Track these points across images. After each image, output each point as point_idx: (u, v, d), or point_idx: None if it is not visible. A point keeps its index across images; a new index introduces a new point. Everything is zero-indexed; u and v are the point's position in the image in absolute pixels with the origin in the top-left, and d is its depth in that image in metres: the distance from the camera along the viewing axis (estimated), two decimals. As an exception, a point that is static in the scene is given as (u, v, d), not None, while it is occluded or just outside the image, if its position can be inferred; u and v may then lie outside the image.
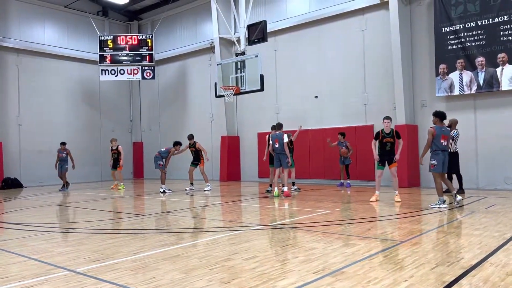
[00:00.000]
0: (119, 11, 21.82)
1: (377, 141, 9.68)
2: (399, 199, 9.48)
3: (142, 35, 20.11)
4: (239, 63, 12.68)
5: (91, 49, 20.49)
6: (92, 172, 20.46)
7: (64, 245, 6.03)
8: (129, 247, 5.67)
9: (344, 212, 8.50)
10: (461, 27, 12.32)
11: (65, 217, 9.47)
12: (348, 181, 13.69)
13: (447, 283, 3.80)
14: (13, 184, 17.45)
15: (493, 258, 4.64)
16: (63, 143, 15.62)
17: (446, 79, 12.63)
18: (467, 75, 12.28)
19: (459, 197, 8.65)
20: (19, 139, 18.41)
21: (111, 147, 15.44)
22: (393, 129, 9.65)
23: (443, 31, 12.65)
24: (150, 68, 20.02)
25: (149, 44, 19.77)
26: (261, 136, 16.60)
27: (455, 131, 10.68)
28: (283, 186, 11.35)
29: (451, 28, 12.52)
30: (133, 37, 19.87)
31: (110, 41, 19.59)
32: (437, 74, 12.81)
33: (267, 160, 12.38)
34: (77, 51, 20.38)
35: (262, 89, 12.24)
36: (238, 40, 13.09)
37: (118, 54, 19.62)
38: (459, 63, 12.40)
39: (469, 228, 6.37)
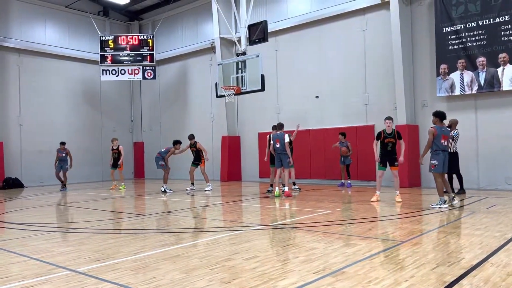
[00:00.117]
0: (120, 11, 21.84)
1: (379, 141, 9.67)
2: (399, 199, 9.47)
3: (143, 35, 20.12)
4: (240, 63, 12.67)
5: (92, 49, 20.50)
6: (93, 172, 20.47)
7: (65, 245, 6.04)
8: (130, 247, 5.67)
9: (345, 212, 8.50)
10: (462, 27, 12.31)
11: (66, 217, 9.48)
12: (349, 181, 13.69)
13: (447, 283, 3.80)
14: (14, 184, 17.47)
15: (494, 258, 4.63)
16: (62, 143, 15.58)
17: (447, 79, 12.62)
18: (468, 75, 12.27)
19: (455, 201, 8.65)
20: (20, 139, 18.43)
21: (112, 147, 15.45)
22: (394, 129, 9.65)
23: (444, 31, 12.64)
24: (151, 68, 20.03)
25: (150, 44, 19.78)
26: (261, 136, 16.60)
27: (455, 131, 10.67)
28: (284, 186, 11.36)
29: (452, 28, 12.51)
30: (134, 37, 19.88)
31: (111, 41, 19.60)
32: (438, 74, 12.80)
33: (268, 160, 12.39)
34: (78, 51, 20.39)
35: (263, 89, 12.24)
36: (239, 40, 13.09)
37: (119, 54, 19.63)
38: (460, 63, 12.39)
39: (470, 228, 6.37)
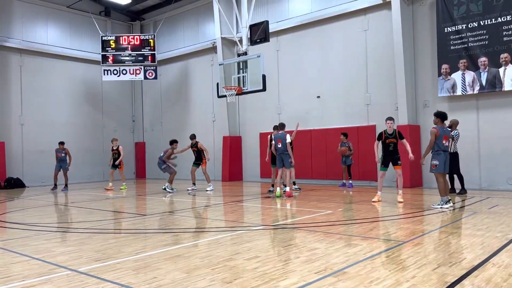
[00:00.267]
0: (121, 11, 21.86)
1: (380, 142, 9.66)
2: (401, 200, 9.46)
3: (145, 35, 20.14)
4: (241, 63, 12.67)
5: (94, 49, 20.52)
6: (94, 172, 20.48)
7: (66, 245, 6.05)
8: (131, 247, 5.67)
9: (346, 212, 8.49)
10: (464, 27, 12.29)
11: (67, 217, 9.49)
12: (350, 181, 13.68)
13: (449, 284, 3.79)
14: (16, 184, 17.50)
15: (495, 258, 4.62)
16: (61, 143, 15.53)
17: (449, 79, 12.61)
18: (469, 75, 12.26)
19: (450, 204, 8.62)
20: (21, 139, 18.46)
21: (112, 147, 15.44)
22: (395, 129, 9.64)
23: (446, 31, 12.63)
24: (152, 68, 20.04)
25: (151, 44, 19.80)
26: (263, 136, 16.59)
27: (456, 132, 10.65)
28: (285, 186, 11.35)
29: (453, 28, 12.49)
30: (135, 37, 19.90)
31: (113, 41, 19.62)
32: (440, 74, 12.79)
33: (269, 160, 12.38)
34: (80, 51, 20.42)
35: (264, 89, 12.23)
36: (240, 40, 13.09)
37: (121, 54, 19.66)
38: (461, 63, 12.37)
39: (472, 228, 6.36)
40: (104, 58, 19.59)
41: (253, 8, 13.15)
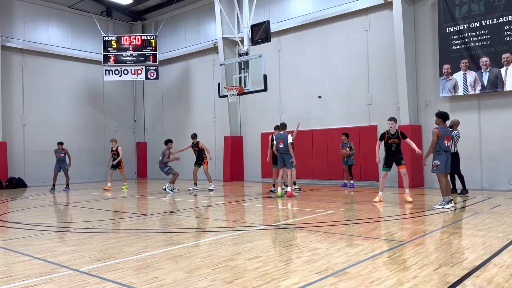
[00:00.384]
0: (123, 11, 21.88)
1: (382, 142, 9.65)
2: (410, 199, 9.38)
3: (146, 35, 20.16)
4: (242, 63, 12.67)
5: (95, 49, 20.54)
6: (95, 172, 20.49)
7: (68, 245, 6.05)
8: (132, 246, 5.68)
9: (348, 212, 8.49)
10: (465, 27, 12.27)
11: (69, 217, 9.51)
12: (351, 182, 13.67)
13: (450, 284, 3.79)
14: (17, 184, 17.52)
15: (497, 259, 4.62)
16: (60, 143, 15.44)
17: (450, 79, 12.59)
18: (471, 75, 12.24)
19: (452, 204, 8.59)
20: (23, 139, 18.49)
21: (111, 148, 15.42)
22: (398, 129, 9.62)
23: (447, 31, 12.61)
24: (153, 68, 20.06)
25: (153, 44, 19.82)
26: (264, 136, 16.59)
27: (456, 132, 10.64)
28: (286, 186, 11.34)
29: (455, 28, 12.47)
30: (137, 37, 19.93)
31: (114, 41, 19.65)
32: (441, 74, 12.77)
33: (270, 160, 12.38)
34: (81, 51, 20.45)
35: (265, 89, 12.23)
36: (242, 40, 13.09)
37: (122, 54, 19.68)
38: (463, 63, 12.35)
39: (473, 228, 6.35)
40: (106, 58, 19.62)
41: (254, 8, 13.15)
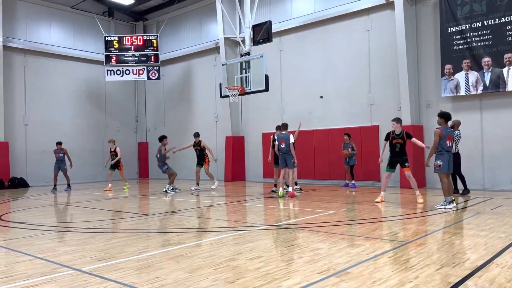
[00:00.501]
0: (124, 11, 21.91)
1: (388, 142, 9.59)
2: (421, 200, 9.26)
3: (148, 35, 20.19)
4: (244, 63, 12.68)
5: (97, 49, 20.58)
6: (97, 172, 20.49)
7: (69, 245, 6.06)
8: (134, 246, 5.68)
9: (349, 212, 8.48)
10: (467, 27, 12.25)
11: (71, 217, 9.52)
12: (353, 182, 13.65)
13: (452, 284, 3.78)
14: (19, 184, 17.56)
15: (499, 259, 4.61)
16: (59, 143, 15.40)
17: (452, 79, 12.57)
18: (473, 75, 12.22)
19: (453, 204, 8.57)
20: (25, 139, 18.53)
21: (110, 148, 15.39)
22: (403, 130, 9.55)
23: (449, 31, 12.59)
24: (155, 68, 20.09)
25: (155, 45, 19.84)
26: (265, 136, 16.60)
27: (457, 132, 10.61)
28: (288, 186, 11.34)
29: (457, 28, 12.46)
30: (138, 37, 19.95)
31: (116, 41, 19.67)
32: (443, 75, 12.75)
33: (271, 160, 12.38)
34: (83, 51, 20.48)
35: (267, 89, 12.23)
36: (243, 41, 13.10)
37: (124, 54, 19.71)
38: (465, 63, 12.33)
39: (475, 229, 6.34)
40: (107, 59, 19.65)
41: (256, 9, 13.15)
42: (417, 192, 9.43)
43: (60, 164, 15.37)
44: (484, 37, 12.00)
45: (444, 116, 8.56)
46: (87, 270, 4.52)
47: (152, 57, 19.84)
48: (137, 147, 22.81)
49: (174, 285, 3.94)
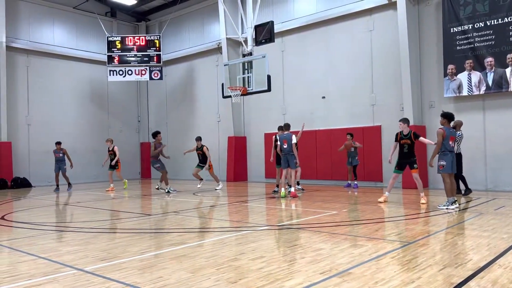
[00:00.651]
0: (127, 12, 21.95)
1: (397, 143, 9.55)
2: (423, 201, 9.23)
3: (150, 36, 20.21)
4: (246, 63, 12.68)
5: (100, 50, 20.63)
6: (100, 172, 20.43)
7: (72, 244, 6.07)
8: (137, 246, 5.69)
9: (352, 213, 8.47)
10: (470, 27, 12.23)
11: (73, 217, 9.54)
12: (356, 182, 13.64)
13: (455, 285, 3.78)
14: (22, 184, 17.61)
15: (502, 259, 4.60)
16: (58, 143, 15.37)
17: (455, 79, 12.55)
18: (475, 75, 12.19)
19: (456, 204, 8.54)
20: (28, 139, 18.58)
21: (108, 148, 15.36)
22: (411, 130, 9.51)
23: (452, 31, 12.57)
24: (157, 68, 20.11)
25: (157, 45, 19.86)
26: (267, 136, 16.59)
27: (459, 133, 10.59)
28: (290, 186, 11.34)
29: (459, 28, 12.43)
30: (141, 38, 19.98)
31: (118, 42, 19.70)
32: (446, 75, 12.73)
33: (273, 160, 12.39)
34: (86, 52, 20.53)
35: (269, 89, 12.23)
36: (245, 41, 13.10)
37: (126, 54, 19.73)
38: (467, 63, 12.31)
39: (478, 229, 6.32)
40: (110, 59, 19.68)
41: (258, 9, 13.15)
42: (422, 194, 9.39)
43: (60, 164, 15.31)
44: (487, 37, 11.97)
45: (447, 117, 8.55)
46: (89, 270, 4.53)
47: (155, 57, 19.87)
48: (139, 147, 22.84)
49: (176, 285, 3.95)
